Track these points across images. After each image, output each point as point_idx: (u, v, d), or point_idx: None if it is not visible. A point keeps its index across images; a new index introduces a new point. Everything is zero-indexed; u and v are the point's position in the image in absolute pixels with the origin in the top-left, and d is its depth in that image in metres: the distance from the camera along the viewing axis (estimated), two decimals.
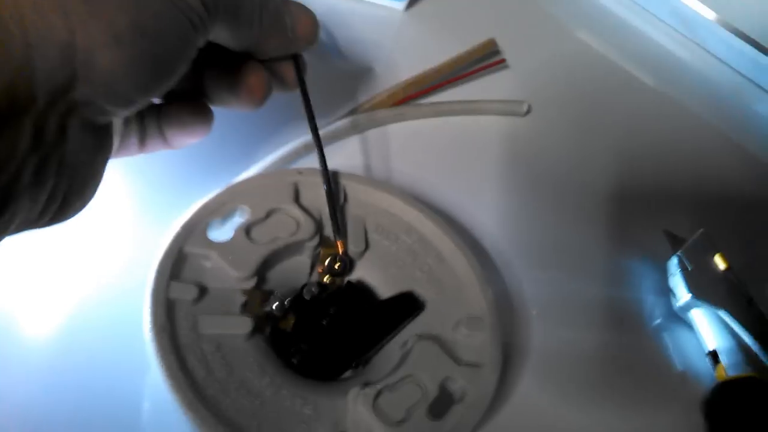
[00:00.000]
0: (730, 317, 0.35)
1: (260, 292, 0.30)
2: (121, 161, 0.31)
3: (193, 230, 0.30)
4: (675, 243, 0.39)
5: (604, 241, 0.40)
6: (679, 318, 0.38)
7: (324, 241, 0.32)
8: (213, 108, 0.31)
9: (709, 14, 0.53)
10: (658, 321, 0.38)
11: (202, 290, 0.28)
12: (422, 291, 0.32)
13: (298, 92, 0.32)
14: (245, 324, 0.28)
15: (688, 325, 0.38)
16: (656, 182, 0.45)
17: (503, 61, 0.48)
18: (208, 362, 0.27)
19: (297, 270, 0.32)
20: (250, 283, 0.29)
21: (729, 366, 0.34)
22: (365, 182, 0.35)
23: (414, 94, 0.43)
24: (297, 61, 0.31)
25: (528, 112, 0.46)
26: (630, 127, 0.48)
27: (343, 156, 0.39)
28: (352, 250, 0.32)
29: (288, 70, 0.31)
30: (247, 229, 0.31)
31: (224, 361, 0.27)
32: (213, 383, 0.26)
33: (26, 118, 0.20)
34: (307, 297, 0.30)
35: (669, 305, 0.38)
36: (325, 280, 0.32)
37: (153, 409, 0.29)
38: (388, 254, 0.33)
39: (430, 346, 0.30)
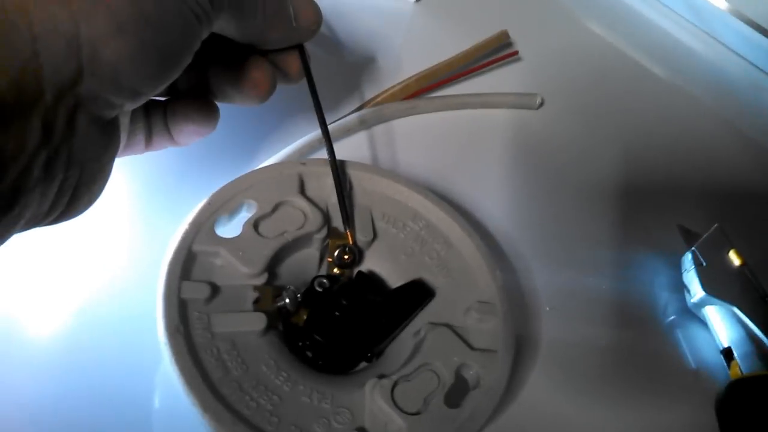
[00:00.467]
0: (745, 314, 0.35)
1: (272, 287, 0.30)
2: (128, 159, 0.31)
3: (201, 228, 0.30)
4: (689, 238, 0.39)
5: (616, 235, 0.40)
6: (693, 314, 0.38)
7: (332, 233, 0.32)
8: (219, 105, 0.31)
9: (721, 4, 0.53)
10: (671, 317, 0.38)
11: (214, 288, 0.28)
12: (432, 278, 0.32)
13: (305, 87, 0.32)
14: (259, 320, 0.28)
15: (702, 322, 0.37)
16: (669, 175, 0.45)
17: (516, 53, 0.48)
18: (224, 361, 0.27)
19: (307, 263, 0.32)
20: (261, 279, 0.29)
21: (743, 364, 0.34)
22: (369, 170, 0.34)
23: (426, 88, 0.43)
24: (302, 51, 0.31)
25: (541, 105, 0.45)
26: (642, 120, 0.48)
27: (355, 149, 0.39)
28: (360, 239, 0.32)
29: (292, 61, 0.31)
30: (255, 224, 0.30)
31: (240, 359, 0.27)
32: (230, 382, 0.26)
33: (35, 113, 0.20)
34: (318, 290, 0.30)
35: (683, 301, 0.38)
36: (335, 271, 0.32)
37: (164, 408, 0.29)
38: (396, 242, 0.33)
39: (443, 333, 0.30)
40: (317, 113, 0.32)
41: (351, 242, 0.32)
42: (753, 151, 0.48)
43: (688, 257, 0.38)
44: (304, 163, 0.33)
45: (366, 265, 0.32)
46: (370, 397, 0.27)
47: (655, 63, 0.52)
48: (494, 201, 0.39)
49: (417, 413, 0.27)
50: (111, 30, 0.21)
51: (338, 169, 0.33)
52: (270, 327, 0.28)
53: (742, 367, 0.34)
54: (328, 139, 0.32)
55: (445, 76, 0.44)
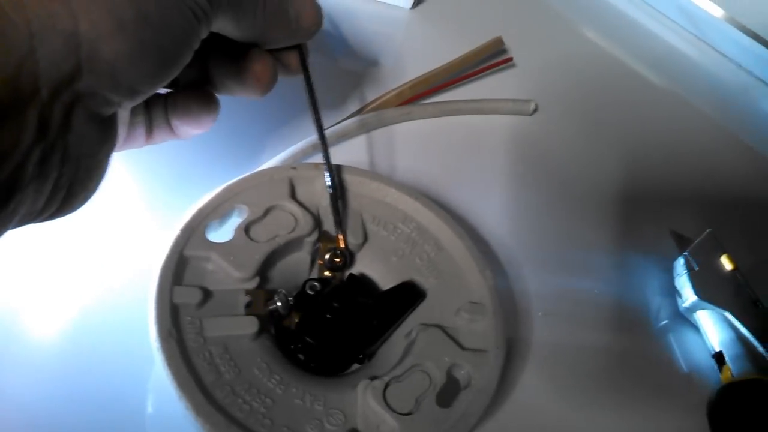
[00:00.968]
0: (736, 318, 0.35)
1: (263, 291, 0.30)
2: (123, 162, 0.31)
3: (193, 233, 0.30)
4: (681, 243, 0.39)
5: (609, 239, 0.41)
6: (685, 319, 0.38)
7: (323, 236, 0.32)
8: (220, 98, 0.31)
9: (717, 12, 0.53)
10: (664, 322, 0.38)
11: (206, 293, 0.28)
12: (422, 279, 0.32)
13: (303, 92, 0.32)
14: (251, 324, 0.28)
15: (694, 326, 0.38)
16: (663, 181, 0.45)
17: (510, 59, 0.48)
18: (217, 365, 0.27)
19: (298, 267, 0.32)
20: (253, 283, 0.29)
21: (735, 368, 0.34)
22: (359, 173, 0.35)
23: (421, 94, 0.44)
24: (301, 50, 0.32)
25: (535, 111, 0.46)
26: (637, 126, 0.48)
27: (350, 155, 0.39)
28: (351, 242, 0.32)
29: (291, 57, 0.31)
30: (246, 228, 0.31)
31: (232, 363, 0.27)
32: (222, 386, 0.26)
33: (30, 109, 0.20)
34: (310, 293, 0.30)
35: (675, 306, 0.38)
36: (326, 274, 0.32)
37: (157, 413, 0.29)
38: (387, 244, 0.33)
39: (434, 333, 0.30)
40: (313, 113, 0.32)
41: (342, 245, 0.32)
42: (747, 157, 0.49)
43: (680, 262, 0.38)
44: (294, 168, 0.34)
45: (357, 268, 0.33)
46: (363, 398, 0.27)
47: (650, 70, 0.53)
48: (488, 206, 0.40)
49: (409, 414, 0.27)
50: (110, 28, 0.21)
51: (332, 171, 0.33)
52: (262, 330, 0.28)
53: (733, 371, 0.34)
54: (323, 140, 0.33)
55: (440, 82, 0.45)
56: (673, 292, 0.38)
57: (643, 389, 0.35)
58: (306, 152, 0.37)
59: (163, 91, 0.30)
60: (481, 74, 0.47)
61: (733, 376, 0.34)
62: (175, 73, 0.24)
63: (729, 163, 0.48)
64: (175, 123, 0.30)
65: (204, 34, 0.25)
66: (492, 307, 0.32)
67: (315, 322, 0.29)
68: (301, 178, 0.33)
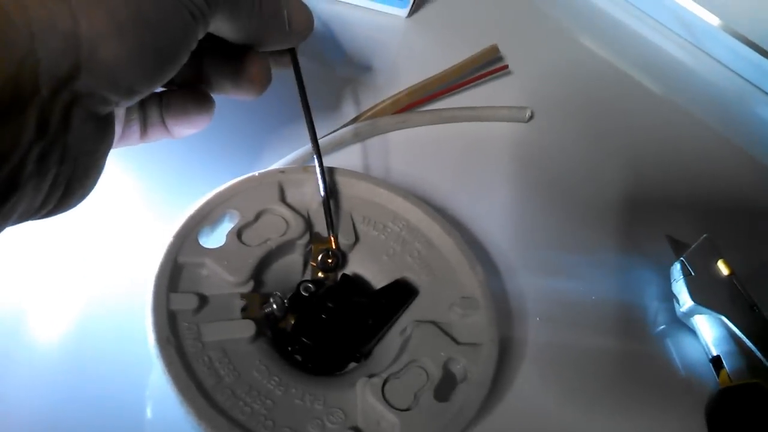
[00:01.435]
0: (733, 323, 0.36)
1: (258, 294, 0.30)
2: (119, 166, 0.31)
3: (186, 239, 0.30)
4: (678, 248, 0.40)
5: (606, 245, 0.41)
6: (682, 324, 0.39)
7: (314, 238, 0.33)
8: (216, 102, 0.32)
9: (713, 20, 0.54)
10: (661, 327, 0.39)
11: (202, 299, 0.29)
12: (414, 277, 0.33)
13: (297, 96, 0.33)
14: (248, 327, 0.28)
15: (692, 331, 0.38)
16: (659, 187, 0.46)
17: (506, 67, 0.49)
18: (216, 369, 0.27)
19: (291, 269, 0.32)
20: (248, 287, 0.30)
21: (732, 372, 0.35)
22: (348, 174, 0.35)
23: (417, 101, 0.44)
24: (294, 53, 0.32)
25: (531, 118, 0.46)
26: (633, 133, 0.49)
27: (346, 162, 0.39)
28: (343, 243, 0.33)
29: (284, 59, 0.32)
30: (238, 233, 0.31)
31: (231, 367, 0.27)
32: (223, 389, 0.26)
33: (31, 108, 0.20)
34: (304, 294, 0.31)
35: (672, 311, 0.39)
36: (319, 275, 0.32)
37: (157, 419, 0.30)
38: (378, 244, 0.34)
39: (429, 329, 0.31)
40: (305, 112, 0.33)
41: (334, 246, 0.32)
42: (743, 163, 0.50)
43: (677, 267, 0.38)
44: (282, 171, 0.34)
45: (350, 268, 0.33)
46: (362, 395, 0.28)
47: (645, 77, 0.53)
48: (485, 212, 0.40)
49: (408, 409, 0.28)
50: (109, 29, 0.21)
51: (316, 173, 0.33)
52: (259, 333, 0.29)
53: (731, 375, 0.35)
54: (314, 140, 0.33)
55: (436, 90, 0.45)
56: (671, 297, 0.39)
57: (641, 393, 0.35)
58: (305, 159, 0.37)
59: (158, 90, 0.30)
60: (477, 82, 0.47)
61: (730, 380, 0.35)
62: (172, 74, 0.25)
63: (725, 169, 0.49)
64: (170, 122, 0.31)
65: (201, 35, 0.25)
66: (484, 301, 0.32)
67: (311, 322, 0.30)
68: (290, 181, 0.34)
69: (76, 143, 0.22)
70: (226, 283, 0.29)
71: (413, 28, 0.50)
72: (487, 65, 0.48)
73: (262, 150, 0.38)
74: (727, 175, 0.48)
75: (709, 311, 0.36)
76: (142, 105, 0.30)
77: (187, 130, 0.31)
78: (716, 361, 0.36)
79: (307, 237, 0.32)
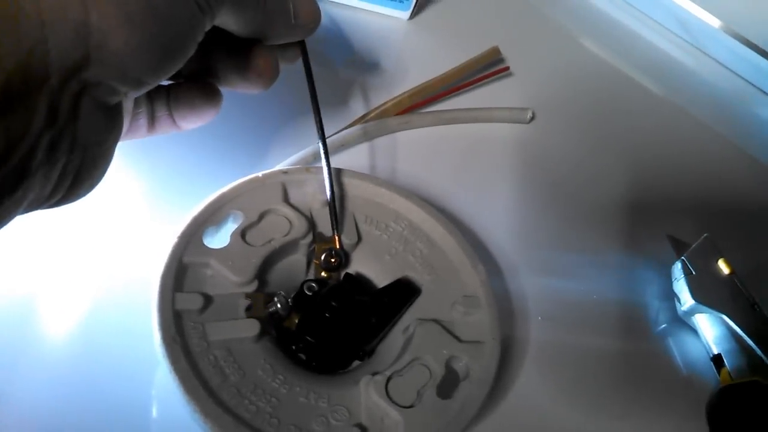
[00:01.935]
0: (734, 322, 0.36)
1: (262, 294, 0.30)
2: (123, 164, 0.31)
3: (190, 240, 0.30)
4: (679, 248, 0.40)
5: (608, 245, 0.41)
6: (683, 322, 0.39)
7: (317, 238, 0.33)
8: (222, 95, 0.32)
9: (714, 21, 0.54)
10: (662, 326, 0.39)
11: (207, 298, 0.29)
12: (417, 276, 0.33)
13: (306, 97, 0.33)
14: (253, 326, 0.29)
15: (693, 330, 0.38)
16: (660, 187, 0.46)
17: (507, 68, 0.49)
18: (222, 368, 0.27)
19: (295, 269, 0.32)
20: (252, 287, 0.30)
21: (733, 370, 0.35)
22: (351, 175, 0.35)
23: (419, 103, 0.44)
24: (303, 46, 0.33)
25: (532, 119, 0.47)
26: (634, 133, 0.49)
27: (349, 164, 0.39)
28: (346, 242, 0.33)
29: (292, 53, 0.33)
30: (242, 234, 0.31)
31: (236, 365, 0.28)
32: (228, 388, 0.27)
33: (41, 96, 0.20)
34: (308, 293, 0.31)
35: (673, 310, 0.39)
36: (323, 275, 0.33)
37: (163, 418, 0.30)
38: (380, 243, 0.34)
39: (431, 327, 0.31)
40: (314, 106, 0.33)
41: (337, 246, 0.33)
42: (743, 163, 0.50)
43: (677, 266, 0.39)
44: (285, 172, 0.34)
45: (352, 267, 0.33)
46: (366, 393, 0.28)
47: (646, 78, 0.54)
48: (487, 212, 0.40)
49: (411, 406, 0.28)
50: (119, 19, 0.21)
51: (319, 174, 0.34)
52: (264, 332, 0.29)
53: (731, 373, 0.35)
54: (322, 136, 0.33)
55: (438, 91, 0.45)
56: (672, 296, 0.39)
57: (642, 391, 0.36)
58: (308, 160, 0.38)
59: (165, 82, 0.30)
60: (478, 83, 0.47)
61: (731, 378, 0.35)
62: (179, 65, 0.25)
63: (726, 170, 0.49)
64: (178, 114, 0.31)
65: (208, 27, 0.26)
66: (486, 300, 0.33)
67: (315, 321, 0.30)
68: (293, 182, 0.34)
69: (85, 132, 0.23)
70: (231, 282, 0.30)
71: (414, 30, 0.50)
72: (488, 67, 0.48)
73: (264, 151, 0.38)
74: (728, 175, 0.49)
75: (709, 310, 0.37)
76: (150, 98, 0.30)
77: (194, 122, 0.31)
78: (717, 360, 0.36)
79: (310, 237, 0.32)
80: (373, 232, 0.34)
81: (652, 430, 0.35)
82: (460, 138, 0.44)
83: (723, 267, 0.38)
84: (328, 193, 0.33)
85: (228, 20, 0.27)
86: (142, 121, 0.30)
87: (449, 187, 0.41)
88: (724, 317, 0.36)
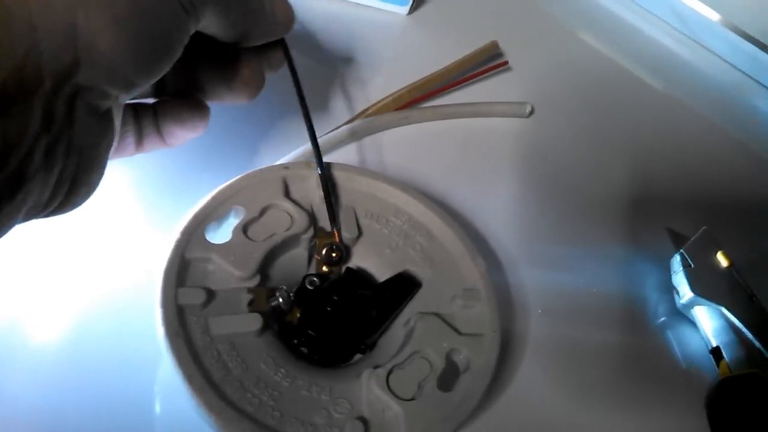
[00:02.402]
0: (733, 314, 0.36)
1: (264, 288, 0.31)
2: (121, 166, 0.32)
3: (192, 235, 0.30)
4: (678, 241, 0.40)
5: (607, 238, 0.42)
6: (682, 315, 0.39)
7: (318, 232, 0.33)
8: (210, 106, 0.32)
9: (713, 15, 0.55)
10: (662, 318, 0.39)
11: (209, 293, 0.29)
12: (417, 269, 0.33)
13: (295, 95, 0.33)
14: (255, 321, 0.29)
15: (692, 323, 0.39)
16: (659, 180, 0.47)
17: (506, 63, 0.49)
18: (225, 362, 0.28)
19: (296, 263, 0.33)
20: (254, 281, 0.30)
21: (732, 362, 0.35)
22: (350, 170, 0.36)
23: (418, 98, 0.44)
24: (284, 43, 0.33)
25: (531, 113, 0.47)
26: (633, 127, 0.49)
27: (349, 159, 0.40)
28: (346, 237, 0.33)
29: (272, 55, 0.33)
30: (244, 229, 0.31)
31: (239, 359, 0.28)
32: (231, 382, 0.27)
33: (36, 100, 0.21)
34: (309, 288, 0.31)
35: (672, 302, 0.39)
36: (324, 269, 0.33)
37: (166, 413, 0.30)
38: (381, 237, 0.34)
39: (432, 321, 0.31)
40: (301, 105, 0.33)
41: (337, 240, 0.33)
42: (743, 156, 0.50)
43: (676, 259, 0.39)
44: (286, 167, 0.34)
45: (353, 262, 0.34)
46: (367, 386, 0.28)
47: (645, 72, 0.54)
48: (487, 206, 0.41)
49: (412, 399, 0.28)
50: (106, 21, 0.22)
51: (322, 168, 0.34)
52: (266, 327, 0.29)
53: (730, 365, 0.35)
54: (313, 136, 0.34)
55: (437, 86, 0.46)
56: (671, 289, 0.39)
57: (641, 384, 0.36)
58: (308, 155, 0.38)
59: (151, 100, 0.31)
60: (477, 78, 0.48)
61: (730, 370, 0.35)
62: (167, 66, 0.25)
63: (724, 163, 0.49)
64: (166, 131, 0.31)
65: (193, 29, 0.26)
66: (485, 292, 0.33)
67: (316, 315, 0.30)
68: (294, 176, 0.34)
69: (80, 137, 0.23)
70: (233, 277, 0.30)
71: (413, 25, 0.51)
72: (487, 61, 0.48)
73: (265, 147, 0.39)
74: (726, 168, 0.49)
75: (708, 302, 0.37)
76: (137, 116, 0.30)
77: (182, 138, 0.32)
78: (716, 352, 0.37)
79: (311, 231, 0.33)
80: (373, 226, 0.35)
81: (651, 422, 0.35)
82: (460, 132, 0.44)
83: (721, 259, 0.38)
84: (322, 187, 0.33)
85: (211, 22, 0.27)
86: (130, 139, 0.31)
87: (449, 181, 0.41)
88: (723, 309, 0.37)
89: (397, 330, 0.32)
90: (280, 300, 0.30)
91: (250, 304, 0.30)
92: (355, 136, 0.41)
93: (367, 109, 0.43)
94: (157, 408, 0.30)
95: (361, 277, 0.33)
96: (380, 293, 0.32)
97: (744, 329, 0.36)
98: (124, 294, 0.32)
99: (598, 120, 0.49)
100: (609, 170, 0.46)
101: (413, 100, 0.44)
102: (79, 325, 0.31)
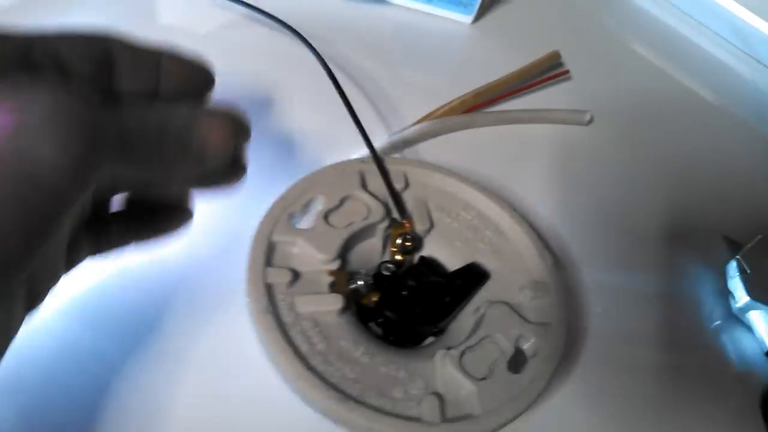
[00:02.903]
0: None
1: (344, 272, 0.33)
2: None
3: (278, 220, 0.33)
4: (733, 248, 0.42)
5: (663, 245, 0.43)
6: (738, 319, 0.40)
7: (393, 223, 0.35)
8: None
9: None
10: (716, 323, 0.40)
11: (295, 274, 0.31)
12: (486, 261, 0.35)
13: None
14: (337, 301, 0.31)
15: (747, 327, 0.40)
16: (714, 191, 0.47)
17: (567, 72, 0.51)
18: (309, 337, 0.30)
19: (372, 251, 0.35)
20: (335, 265, 0.32)
21: None
22: (423, 166, 0.38)
23: (482, 103, 0.46)
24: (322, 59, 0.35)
25: (590, 121, 0.48)
26: (688, 139, 0.51)
27: (422, 156, 0.41)
28: (419, 228, 0.35)
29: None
30: (325, 216, 0.33)
31: (322, 336, 0.30)
32: (316, 355, 0.29)
33: None
34: (386, 273, 0.33)
35: (728, 307, 0.40)
36: (397, 258, 0.35)
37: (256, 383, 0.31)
38: (451, 230, 0.36)
39: (501, 309, 0.33)
40: (347, 107, 0.36)
41: (411, 231, 0.35)
42: None
43: (732, 265, 0.40)
44: (363, 161, 0.37)
45: (425, 252, 0.35)
46: (441, 365, 0.30)
47: (701, 86, 0.55)
48: (546, 208, 0.42)
49: (484, 378, 0.30)
50: None
51: (393, 165, 0.36)
52: (346, 307, 0.31)
53: None
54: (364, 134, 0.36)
55: (501, 92, 0.47)
56: (726, 295, 0.40)
57: (696, 385, 0.37)
58: (386, 152, 0.40)
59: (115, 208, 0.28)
60: (538, 86, 0.49)
61: None
62: (52, 241, 0.20)
63: None
64: (138, 241, 0.28)
65: (83, 196, 0.20)
66: (553, 285, 0.34)
67: (393, 298, 0.32)
68: (370, 171, 0.36)
69: None
70: (316, 260, 0.32)
71: (477, 34, 0.52)
72: (548, 70, 0.50)
73: (344, 142, 0.41)
74: None
75: (764, 306, 0.38)
76: (96, 238, 0.27)
77: (161, 241, 0.29)
78: None
79: (386, 222, 0.35)
80: (444, 219, 0.36)
81: (703, 424, 0.36)
82: (520, 138, 0.46)
83: None
84: (383, 179, 0.35)
85: (119, 172, 0.22)
86: (87, 257, 0.27)
87: (509, 182, 0.43)
88: None
89: (467, 317, 0.33)
90: (360, 283, 0.32)
91: (332, 285, 0.32)
92: (422, 136, 0.43)
93: (433, 112, 0.45)
94: (248, 381, 0.31)
95: (433, 265, 0.35)
96: (452, 281, 0.34)
97: None
98: (214, 272, 0.34)
99: (653, 130, 0.50)
100: (666, 180, 0.47)
101: (477, 105, 0.46)
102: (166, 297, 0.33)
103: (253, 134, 0.35)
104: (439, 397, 0.29)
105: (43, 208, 0.19)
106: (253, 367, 0.31)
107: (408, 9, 0.51)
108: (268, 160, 0.39)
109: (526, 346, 0.32)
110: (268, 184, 0.35)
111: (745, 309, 0.39)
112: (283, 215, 0.33)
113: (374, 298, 0.33)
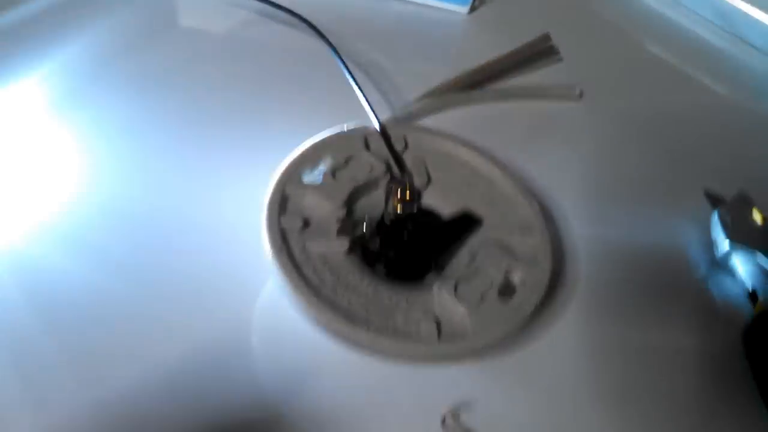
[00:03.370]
0: (766, 259, 0.40)
1: (350, 220, 0.36)
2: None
3: (290, 176, 0.37)
4: (715, 201, 0.45)
5: (652, 200, 0.46)
6: (721, 266, 0.43)
7: (394, 178, 0.39)
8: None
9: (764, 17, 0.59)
10: (701, 269, 0.43)
11: (305, 221, 0.35)
12: (480, 209, 0.39)
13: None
14: (343, 243, 0.35)
15: (731, 273, 0.42)
16: (695, 155, 0.50)
17: (558, 53, 0.54)
18: (320, 273, 0.33)
19: (375, 202, 0.38)
20: (342, 213, 0.36)
21: (766, 301, 0.39)
22: (421, 130, 0.42)
23: (477, 83, 0.50)
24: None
25: (581, 96, 0.52)
26: (667, 104, 0.54)
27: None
28: (418, 182, 0.39)
29: None
30: (332, 172, 0.37)
31: (331, 272, 0.34)
32: (326, 286, 0.33)
33: None
34: (387, 221, 0.37)
35: (712, 256, 0.43)
36: (398, 208, 0.38)
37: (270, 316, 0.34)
38: (447, 184, 0.40)
39: (492, 246, 0.36)
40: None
41: (410, 184, 0.39)
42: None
43: (714, 216, 0.43)
44: (367, 129, 0.41)
45: (424, 203, 0.39)
46: (438, 294, 0.34)
47: (681, 60, 0.58)
48: (539, 169, 0.45)
49: (476, 304, 0.33)
50: None
51: (395, 128, 0.40)
52: (351, 249, 0.35)
53: (765, 305, 0.39)
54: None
55: (494, 71, 0.51)
56: (710, 245, 0.43)
57: (682, 318, 0.39)
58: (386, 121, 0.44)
59: None
60: (531, 68, 0.53)
61: (764, 307, 0.38)
62: None
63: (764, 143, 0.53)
64: None
65: None
66: (539, 228, 0.38)
67: (394, 240, 0.36)
68: (373, 135, 0.40)
69: None
70: (325, 209, 0.36)
71: (473, 24, 0.56)
72: (539, 52, 0.54)
73: (351, 110, 0.44)
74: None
75: (744, 248, 0.41)
76: None
77: None
78: (752, 295, 0.40)
79: (387, 177, 0.38)
80: (441, 176, 0.40)
81: (689, 347, 0.38)
82: (516, 113, 0.49)
83: (756, 216, 0.42)
84: (383, 138, 0.39)
85: None
86: None
87: (506, 150, 0.46)
88: (758, 256, 0.40)
89: (462, 254, 0.37)
90: (364, 229, 0.36)
91: (339, 231, 0.36)
92: (422, 112, 0.47)
93: (432, 90, 0.48)
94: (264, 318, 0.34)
95: (431, 213, 0.38)
96: (447, 225, 0.37)
97: None
98: (237, 220, 0.37)
99: (636, 100, 0.53)
100: (648, 144, 0.49)
101: (473, 85, 0.50)
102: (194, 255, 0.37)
103: (271, 105, 0.39)
104: (436, 320, 0.33)
105: None
106: (270, 299, 0.35)
107: (408, 1, 0.55)
108: (283, 127, 0.42)
109: (515, 278, 0.35)
110: (282, 147, 0.39)
111: (727, 256, 0.42)
112: (295, 172, 0.37)
113: (378, 243, 0.36)
